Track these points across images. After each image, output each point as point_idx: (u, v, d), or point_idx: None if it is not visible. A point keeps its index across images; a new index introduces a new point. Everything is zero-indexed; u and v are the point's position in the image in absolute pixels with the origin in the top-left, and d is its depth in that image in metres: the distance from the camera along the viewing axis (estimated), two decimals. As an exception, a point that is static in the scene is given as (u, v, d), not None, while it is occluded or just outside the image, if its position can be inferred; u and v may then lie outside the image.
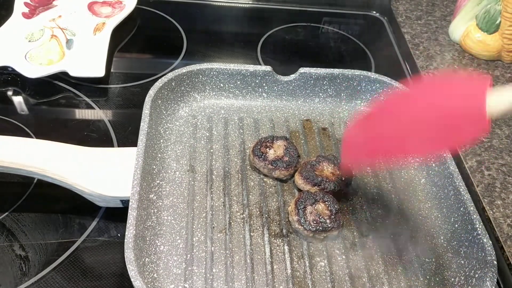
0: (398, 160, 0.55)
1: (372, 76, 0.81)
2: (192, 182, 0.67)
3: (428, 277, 0.61)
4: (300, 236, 0.63)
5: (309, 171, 0.67)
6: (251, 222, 0.64)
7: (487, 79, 0.43)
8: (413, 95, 0.55)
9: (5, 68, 0.83)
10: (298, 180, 0.67)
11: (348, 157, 0.60)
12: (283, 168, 0.67)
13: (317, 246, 0.62)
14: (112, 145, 0.74)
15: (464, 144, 0.53)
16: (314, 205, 0.63)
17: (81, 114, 0.80)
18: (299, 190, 0.67)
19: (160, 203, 0.64)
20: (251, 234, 0.62)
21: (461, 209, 0.64)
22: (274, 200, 0.67)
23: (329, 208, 0.62)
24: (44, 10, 0.95)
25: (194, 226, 0.62)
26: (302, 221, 0.61)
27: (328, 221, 0.61)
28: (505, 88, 0.42)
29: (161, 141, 0.72)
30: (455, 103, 0.46)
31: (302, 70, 0.80)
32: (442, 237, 0.65)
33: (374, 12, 1.15)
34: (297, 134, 0.77)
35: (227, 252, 0.60)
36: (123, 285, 0.58)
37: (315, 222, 0.61)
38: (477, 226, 0.61)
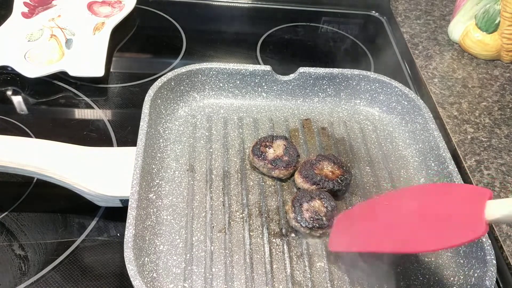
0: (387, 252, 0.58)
1: (371, 76, 0.81)
2: (192, 182, 0.67)
3: (427, 276, 0.61)
4: (298, 234, 0.63)
5: (309, 169, 0.67)
6: (251, 221, 0.64)
7: (487, 191, 0.48)
8: (411, 196, 0.57)
9: (4, 67, 0.83)
10: (298, 178, 0.67)
11: (336, 242, 0.61)
12: (282, 168, 0.68)
13: (317, 246, 0.62)
14: (111, 145, 0.74)
15: (458, 245, 0.57)
16: (310, 202, 0.63)
17: (81, 113, 0.80)
18: (299, 189, 0.67)
19: (160, 203, 0.64)
20: (251, 233, 0.62)
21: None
22: (274, 199, 0.67)
23: (325, 205, 0.63)
24: (44, 10, 0.95)
25: (194, 226, 0.62)
26: (299, 218, 0.61)
27: (324, 218, 0.62)
28: (503, 199, 0.46)
29: (161, 140, 0.72)
30: (454, 207, 0.50)
31: (301, 69, 0.80)
32: (441, 237, 0.65)
33: (374, 11, 1.15)
34: (296, 133, 0.77)
35: (227, 251, 0.60)
36: (122, 285, 0.58)
37: (311, 219, 0.61)
38: (476, 225, 0.61)
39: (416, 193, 0.57)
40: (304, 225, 0.61)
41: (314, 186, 0.66)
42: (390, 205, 0.57)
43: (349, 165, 0.72)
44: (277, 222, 0.64)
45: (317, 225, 0.61)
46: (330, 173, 0.67)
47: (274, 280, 0.58)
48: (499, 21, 0.92)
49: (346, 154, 0.75)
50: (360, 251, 0.59)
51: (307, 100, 0.82)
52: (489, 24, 0.93)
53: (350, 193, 0.69)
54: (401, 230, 0.53)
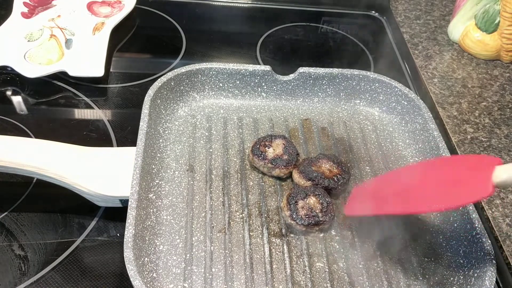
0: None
1: (371, 76, 0.81)
2: (191, 182, 0.67)
3: (427, 276, 0.61)
4: (295, 232, 0.63)
5: (307, 166, 0.67)
6: (251, 221, 0.64)
7: (497, 158, 0.52)
8: (424, 166, 0.63)
9: (4, 68, 0.83)
10: (295, 174, 0.68)
11: (351, 208, 0.65)
12: (282, 166, 0.68)
13: (316, 246, 0.62)
14: (111, 145, 0.74)
15: (466, 204, 0.62)
16: (305, 199, 0.63)
17: (80, 113, 0.80)
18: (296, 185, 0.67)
19: (160, 203, 0.64)
20: (250, 233, 0.62)
21: (460, 208, 0.64)
22: (273, 199, 0.67)
23: (320, 201, 0.63)
24: (43, 10, 0.95)
25: (194, 226, 0.62)
26: (294, 216, 0.62)
27: (320, 214, 0.62)
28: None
29: (160, 140, 0.72)
30: (464, 172, 0.54)
31: (301, 69, 0.80)
32: (441, 237, 0.65)
33: (373, 11, 1.15)
34: (296, 133, 0.77)
35: (227, 251, 0.60)
36: (122, 285, 0.58)
37: (307, 216, 0.61)
38: (476, 225, 0.61)
39: (428, 164, 0.63)
40: (300, 223, 0.61)
41: (310, 182, 0.66)
42: (403, 175, 0.63)
43: (349, 165, 0.72)
44: (277, 222, 0.64)
45: (312, 222, 0.61)
46: (328, 171, 0.67)
47: (274, 280, 0.58)
48: (499, 21, 0.92)
49: (346, 154, 0.75)
50: (374, 214, 0.63)
51: (307, 100, 0.82)
52: (489, 24, 0.93)
53: (349, 192, 0.69)
54: (414, 193, 0.57)
